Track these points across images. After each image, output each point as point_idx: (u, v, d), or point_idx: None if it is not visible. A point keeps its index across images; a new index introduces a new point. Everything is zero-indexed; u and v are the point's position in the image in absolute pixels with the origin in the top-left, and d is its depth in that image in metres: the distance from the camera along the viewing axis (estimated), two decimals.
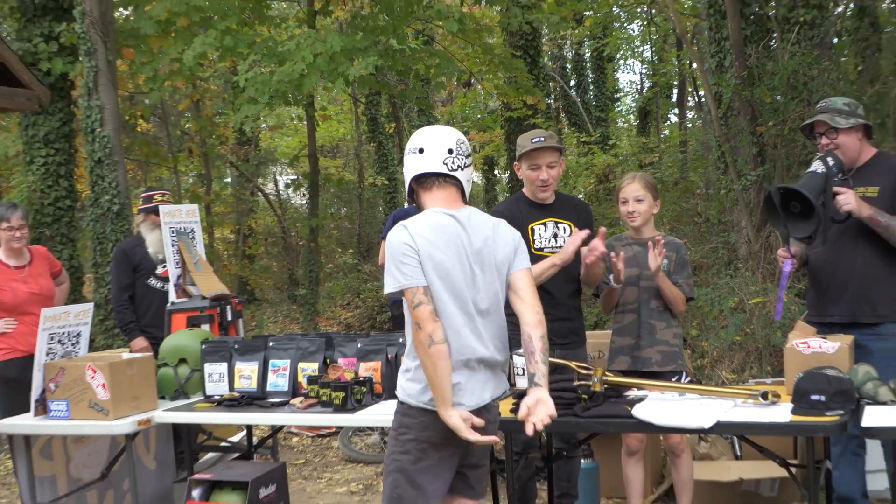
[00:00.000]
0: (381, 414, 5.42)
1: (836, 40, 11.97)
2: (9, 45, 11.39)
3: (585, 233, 5.66)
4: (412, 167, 4.46)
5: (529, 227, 6.03)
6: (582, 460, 7.00)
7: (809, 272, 5.90)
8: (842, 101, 5.90)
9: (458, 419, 4.09)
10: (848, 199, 5.47)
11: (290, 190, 25.87)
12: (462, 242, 4.32)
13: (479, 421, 4.16)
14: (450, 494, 4.51)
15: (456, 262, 4.28)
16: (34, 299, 7.34)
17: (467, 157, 4.50)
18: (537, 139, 5.96)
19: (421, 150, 4.41)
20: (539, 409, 4.13)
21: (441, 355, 4.10)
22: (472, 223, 4.38)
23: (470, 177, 4.56)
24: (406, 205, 8.48)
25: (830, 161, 5.54)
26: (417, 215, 4.42)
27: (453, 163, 4.41)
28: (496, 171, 24.77)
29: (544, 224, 6.07)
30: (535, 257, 5.87)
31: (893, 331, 5.70)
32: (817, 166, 5.54)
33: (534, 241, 6.03)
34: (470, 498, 4.50)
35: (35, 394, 5.79)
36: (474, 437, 4.11)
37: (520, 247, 4.48)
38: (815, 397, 4.75)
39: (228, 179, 22.76)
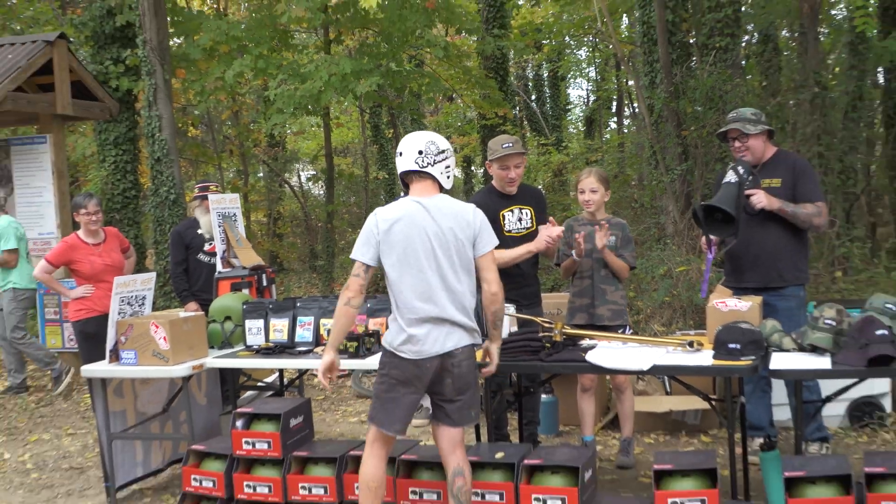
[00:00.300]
0: None
1: (744, 62, 11.97)
2: (85, 66, 11.34)
3: (559, 230, 5.78)
4: (397, 167, 4.67)
5: (500, 213, 6.07)
6: (543, 395, 7.07)
7: (729, 249, 5.88)
8: (750, 111, 5.96)
9: (324, 360, 4.61)
10: (760, 199, 5.59)
11: (310, 182, 25.99)
12: (424, 224, 4.45)
13: (336, 372, 4.68)
14: (435, 422, 4.63)
15: (416, 240, 4.43)
16: (108, 270, 7.40)
17: (437, 154, 4.58)
18: (507, 145, 6.00)
19: (400, 154, 4.59)
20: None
21: (346, 314, 4.50)
22: (438, 209, 4.49)
23: (444, 170, 4.60)
24: (402, 195, 8.43)
25: (740, 170, 5.63)
26: (393, 202, 4.66)
27: (423, 161, 4.55)
28: (473, 168, 24.85)
29: (511, 210, 6.12)
30: (507, 238, 6.02)
31: (794, 293, 5.81)
32: (730, 177, 5.62)
33: (504, 225, 6.09)
34: (449, 426, 4.55)
35: (109, 345, 5.83)
36: (323, 380, 4.66)
37: (481, 232, 4.54)
38: (731, 346, 4.79)
39: (261, 174, 22.76)
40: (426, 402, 4.70)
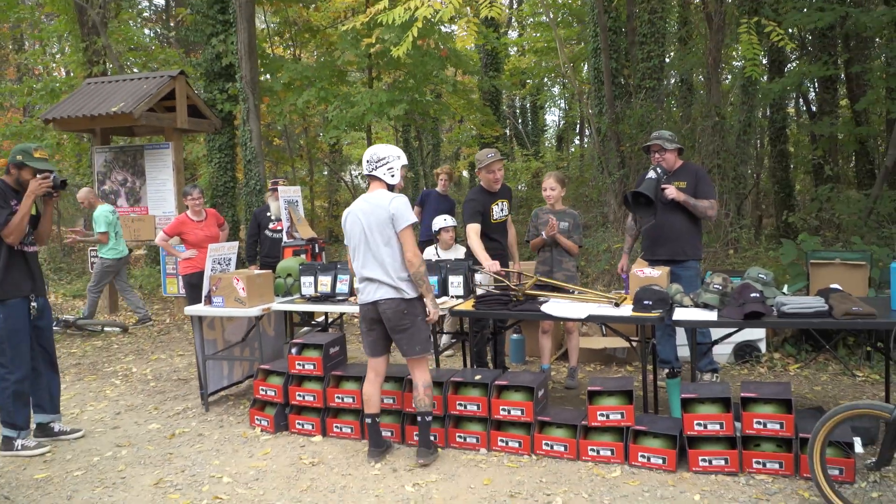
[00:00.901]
0: None
1: (665, 98, 11.78)
2: (198, 94, 11.25)
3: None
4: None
5: (491, 206, 6.04)
6: (514, 335, 6.96)
7: (645, 231, 5.81)
8: (668, 133, 5.88)
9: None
10: (671, 192, 5.53)
11: (359, 178, 25.81)
12: (364, 213, 4.50)
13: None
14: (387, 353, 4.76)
15: (357, 225, 4.52)
16: (207, 239, 7.32)
17: (377, 161, 4.56)
18: (490, 155, 5.97)
19: (359, 163, 4.64)
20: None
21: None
22: (374, 202, 4.50)
23: (386, 171, 4.55)
24: (424, 188, 8.43)
25: (658, 170, 5.59)
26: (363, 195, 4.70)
27: (369, 167, 4.56)
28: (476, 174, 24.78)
29: (497, 204, 6.08)
30: (493, 225, 6.08)
31: (693, 265, 5.71)
32: (651, 174, 5.56)
33: (492, 214, 6.06)
34: (403, 355, 4.58)
35: (204, 292, 5.76)
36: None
37: (395, 215, 4.43)
38: (646, 302, 4.70)
39: (325, 172, 22.63)
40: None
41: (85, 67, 14.40)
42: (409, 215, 4.46)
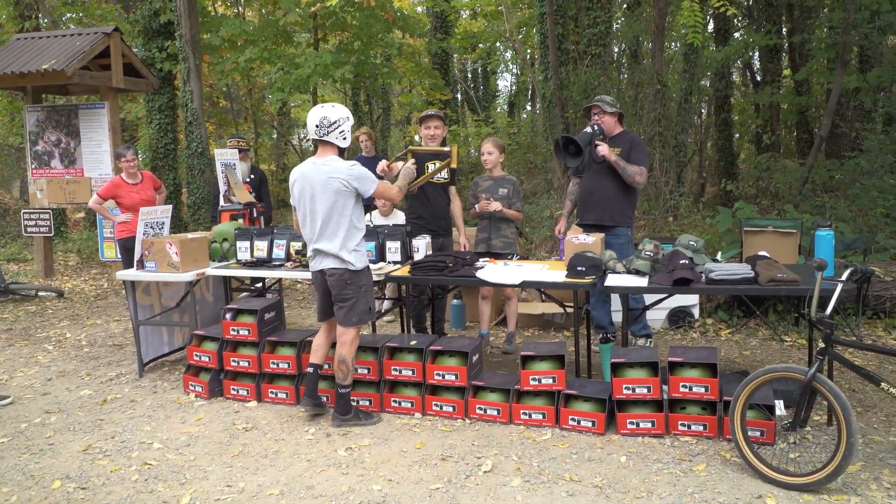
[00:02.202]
0: None
1: (610, 65, 11.82)
2: (135, 52, 10.91)
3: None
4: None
5: (426, 164, 6.02)
6: (455, 300, 7.00)
7: (580, 196, 5.89)
8: (609, 98, 5.88)
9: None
10: (603, 150, 5.56)
11: (306, 142, 25.50)
12: (310, 177, 4.41)
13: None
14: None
15: (306, 192, 4.43)
16: (142, 202, 7.14)
17: (329, 126, 4.42)
18: (429, 110, 6.08)
19: (305, 127, 4.62)
20: None
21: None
22: (326, 170, 4.40)
23: (338, 135, 4.45)
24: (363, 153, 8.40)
25: (596, 128, 5.66)
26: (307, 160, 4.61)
27: (319, 131, 4.43)
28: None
29: (433, 163, 6.03)
30: (429, 185, 6.01)
31: (623, 232, 5.77)
32: (588, 128, 5.63)
33: (427, 170, 6.02)
34: (338, 323, 4.56)
35: (136, 257, 5.65)
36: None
37: (361, 184, 4.40)
38: (580, 268, 4.75)
39: (275, 135, 22.26)
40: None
41: (16, 22, 13.86)
42: (370, 175, 4.48)
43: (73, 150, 10.00)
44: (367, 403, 4.80)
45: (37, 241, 10.33)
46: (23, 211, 10.19)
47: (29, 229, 10.13)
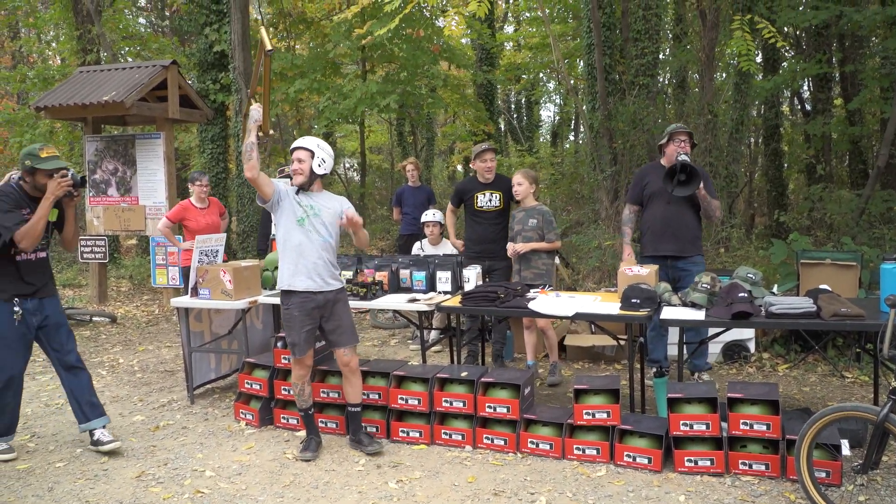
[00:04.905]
0: (388, 302, 5.35)
1: (658, 95, 11.70)
2: (190, 84, 11.13)
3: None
4: (326, 169, 4.57)
5: (476, 194, 6.30)
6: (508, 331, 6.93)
7: (650, 226, 5.74)
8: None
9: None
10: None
11: (351, 171, 25.77)
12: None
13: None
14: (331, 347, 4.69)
15: None
16: (208, 227, 7.23)
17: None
18: (484, 145, 6.16)
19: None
20: None
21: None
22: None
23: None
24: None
25: (684, 157, 5.45)
26: None
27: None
28: (470, 165, 24.77)
29: (484, 193, 6.15)
30: (481, 213, 6.33)
31: (699, 259, 5.68)
32: (684, 157, 5.43)
33: (477, 202, 6.32)
34: (338, 346, 4.56)
35: (191, 284, 5.69)
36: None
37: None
38: (634, 300, 4.65)
39: None
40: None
41: (79, 56, 14.28)
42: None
43: (129, 178, 10.20)
44: (418, 435, 4.73)
45: (92, 268, 10.52)
46: (80, 238, 10.40)
47: (85, 255, 10.32)
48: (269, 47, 4.51)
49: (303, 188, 4.51)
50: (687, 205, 5.59)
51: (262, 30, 4.78)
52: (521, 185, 5.99)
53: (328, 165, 4.52)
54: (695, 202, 5.62)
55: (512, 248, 5.89)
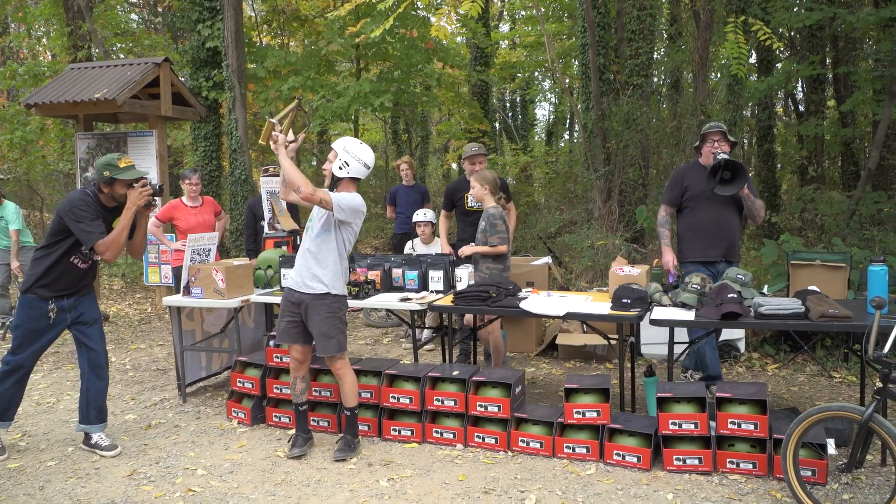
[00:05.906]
0: (380, 301, 5.39)
1: (652, 95, 11.77)
2: (183, 82, 11.15)
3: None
4: (357, 172, 4.48)
5: (465, 195, 6.37)
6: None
7: (696, 230, 5.44)
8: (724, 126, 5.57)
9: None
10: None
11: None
12: None
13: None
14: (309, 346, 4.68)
15: None
16: (200, 226, 7.21)
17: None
18: (475, 148, 6.09)
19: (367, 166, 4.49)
20: None
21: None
22: None
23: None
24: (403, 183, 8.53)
25: (722, 156, 5.18)
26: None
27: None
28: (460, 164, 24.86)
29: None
30: (469, 212, 6.39)
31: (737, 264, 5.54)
32: (723, 155, 5.19)
33: (467, 202, 6.40)
34: (317, 352, 4.55)
35: (182, 283, 5.72)
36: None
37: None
38: (625, 300, 4.70)
39: (314, 163, 22.56)
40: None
41: (70, 52, 14.27)
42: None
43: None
44: (410, 433, 4.78)
45: None
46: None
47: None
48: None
49: (330, 189, 4.50)
50: (734, 208, 5.38)
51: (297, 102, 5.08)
52: (474, 188, 5.71)
53: (352, 169, 4.41)
54: (739, 204, 5.41)
55: (461, 251, 5.79)
